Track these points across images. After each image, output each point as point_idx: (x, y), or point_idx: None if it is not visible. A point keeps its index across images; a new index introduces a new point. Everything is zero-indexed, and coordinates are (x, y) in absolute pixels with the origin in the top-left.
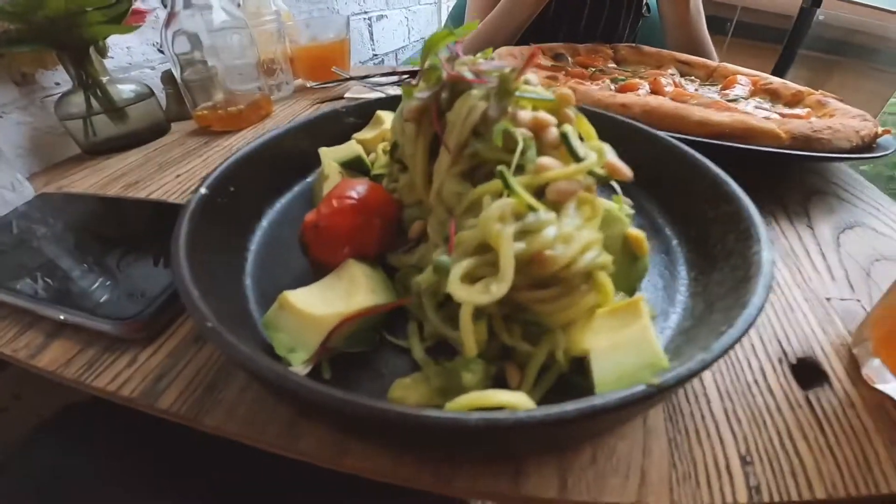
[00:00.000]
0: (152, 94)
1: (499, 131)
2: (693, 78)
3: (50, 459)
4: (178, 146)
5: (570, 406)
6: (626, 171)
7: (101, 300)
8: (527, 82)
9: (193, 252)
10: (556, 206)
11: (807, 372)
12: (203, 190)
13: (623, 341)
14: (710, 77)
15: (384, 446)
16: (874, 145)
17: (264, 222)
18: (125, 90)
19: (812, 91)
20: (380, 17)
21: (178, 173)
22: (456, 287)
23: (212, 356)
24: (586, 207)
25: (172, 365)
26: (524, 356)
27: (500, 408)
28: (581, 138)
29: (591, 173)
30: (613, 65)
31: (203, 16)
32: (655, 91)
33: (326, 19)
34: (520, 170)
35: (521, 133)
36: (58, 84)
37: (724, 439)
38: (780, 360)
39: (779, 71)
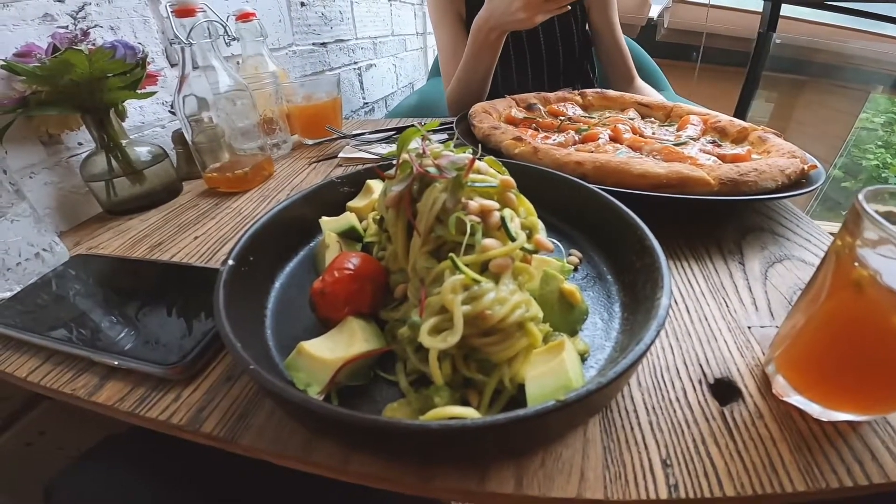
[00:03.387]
0: (166, 155)
1: (453, 221)
2: (653, 119)
3: (94, 485)
4: (192, 207)
5: (501, 416)
6: (549, 246)
7: (146, 348)
8: (477, 171)
9: (230, 312)
10: (496, 276)
11: (724, 390)
12: (231, 262)
13: (547, 370)
14: (668, 118)
15: (378, 454)
16: (803, 180)
17: (277, 284)
18: (142, 153)
19: (755, 127)
20: (369, 67)
21: (195, 235)
22: (425, 338)
23: (242, 392)
24: (524, 274)
25: (210, 399)
26: (481, 384)
27: (456, 418)
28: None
29: (522, 249)
30: (581, 111)
31: (209, 78)
32: (615, 138)
33: (319, 79)
34: (471, 248)
35: (470, 219)
36: (80, 144)
37: (648, 446)
38: (699, 381)
39: (747, 92)
